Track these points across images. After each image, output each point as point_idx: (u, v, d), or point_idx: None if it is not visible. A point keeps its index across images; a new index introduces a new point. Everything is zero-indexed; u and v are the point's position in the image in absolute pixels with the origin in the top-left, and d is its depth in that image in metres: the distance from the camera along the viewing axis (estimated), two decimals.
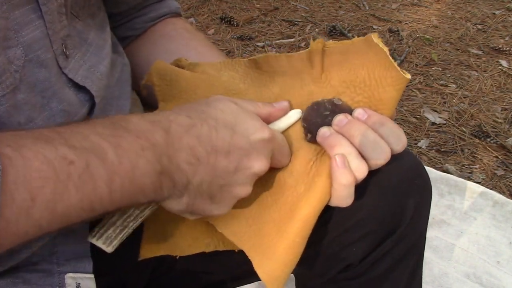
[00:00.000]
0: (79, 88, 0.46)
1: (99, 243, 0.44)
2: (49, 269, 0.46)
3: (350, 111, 0.48)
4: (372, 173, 0.47)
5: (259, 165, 0.44)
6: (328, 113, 0.48)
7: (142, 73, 0.63)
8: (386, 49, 0.45)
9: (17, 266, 0.44)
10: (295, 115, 0.52)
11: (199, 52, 0.59)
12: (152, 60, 0.61)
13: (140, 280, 0.60)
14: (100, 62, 0.50)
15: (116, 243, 0.44)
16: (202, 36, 0.68)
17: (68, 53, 0.45)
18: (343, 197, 0.46)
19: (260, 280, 0.48)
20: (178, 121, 0.41)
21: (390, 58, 0.45)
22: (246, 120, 0.45)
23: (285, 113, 0.51)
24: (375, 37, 0.45)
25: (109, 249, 0.44)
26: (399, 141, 0.46)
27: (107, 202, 0.37)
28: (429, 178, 0.59)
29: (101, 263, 0.50)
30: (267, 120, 0.49)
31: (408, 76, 0.45)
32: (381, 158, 0.45)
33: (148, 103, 0.63)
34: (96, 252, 0.47)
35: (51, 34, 0.43)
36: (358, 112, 0.47)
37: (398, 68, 0.45)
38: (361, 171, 0.45)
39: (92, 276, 0.48)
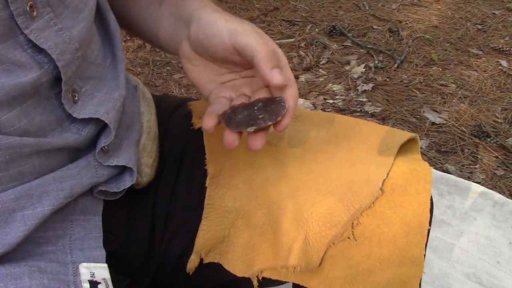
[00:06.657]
0: (40, 50, 0.44)
1: None
2: (63, 259, 0.47)
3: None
4: None
5: None
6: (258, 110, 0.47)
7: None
8: None
9: (33, 254, 0.44)
10: None
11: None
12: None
13: (148, 274, 0.60)
14: (73, 26, 0.47)
15: None
16: None
17: (35, 13, 0.43)
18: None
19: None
20: None
21: None
22: None
23: None
24: None
25: None
26: None
27: None
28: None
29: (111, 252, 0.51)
30: None
31: None
32: None
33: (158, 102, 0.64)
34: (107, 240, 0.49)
35: None
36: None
37: None
38: None
39: (105, 265, 0.49)
